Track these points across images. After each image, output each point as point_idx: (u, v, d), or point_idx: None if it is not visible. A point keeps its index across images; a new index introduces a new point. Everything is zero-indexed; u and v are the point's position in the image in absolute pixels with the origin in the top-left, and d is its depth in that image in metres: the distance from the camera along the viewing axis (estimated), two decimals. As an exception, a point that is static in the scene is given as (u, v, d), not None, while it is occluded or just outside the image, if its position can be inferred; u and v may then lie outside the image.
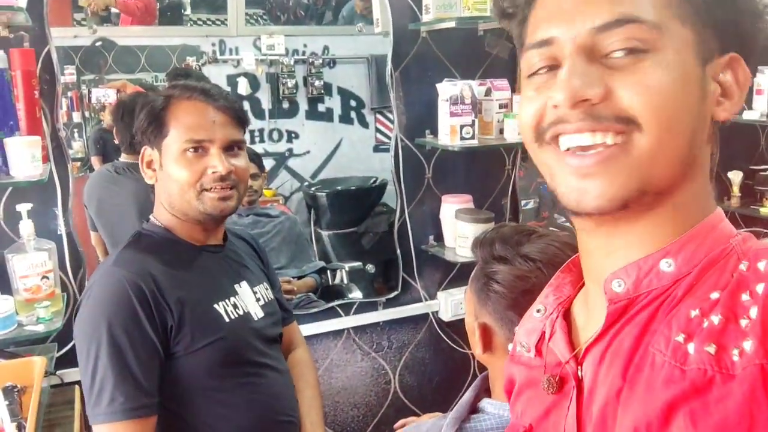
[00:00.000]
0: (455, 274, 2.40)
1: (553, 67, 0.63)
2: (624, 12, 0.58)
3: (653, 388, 0.57)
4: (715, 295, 0.57)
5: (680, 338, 0.57)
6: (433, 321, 2.43)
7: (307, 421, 1.50)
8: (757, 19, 0.63)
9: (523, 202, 2.53)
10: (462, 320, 2.33)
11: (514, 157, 2.41)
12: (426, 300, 2.39)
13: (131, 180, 1.91)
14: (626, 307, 0.64)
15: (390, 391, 2.42)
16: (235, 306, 1.40)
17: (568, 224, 2.80)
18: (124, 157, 2.04)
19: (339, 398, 2.36)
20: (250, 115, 1.44)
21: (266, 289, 1.52)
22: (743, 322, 0.54)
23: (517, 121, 2.05)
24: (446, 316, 2.38)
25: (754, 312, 0.54)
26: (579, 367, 0.68)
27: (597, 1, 0.59)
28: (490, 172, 2.40)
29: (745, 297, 0.56)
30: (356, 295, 2.44)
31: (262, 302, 1.48)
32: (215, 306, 1.36)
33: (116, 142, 2.06)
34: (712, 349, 0.54)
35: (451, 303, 2.36)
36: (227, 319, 1.37)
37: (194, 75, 2.33)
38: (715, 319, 0.56)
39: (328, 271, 2.60)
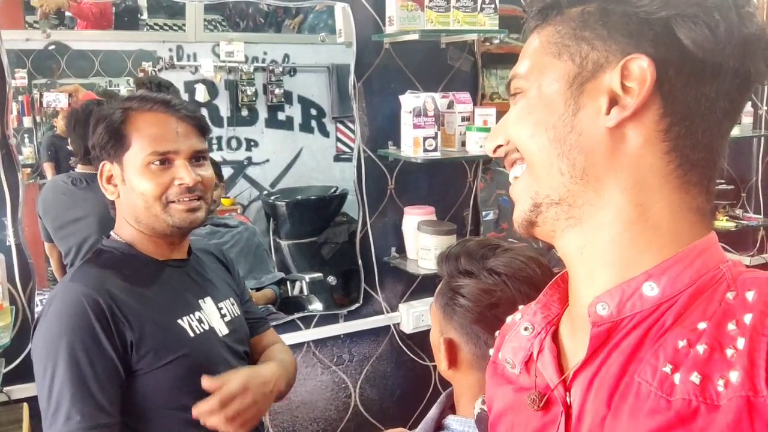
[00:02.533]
0: (417, 286, 2.39)
1: None
2: (511, 73, 0.72)
3: (638, 417, 0.57)
4: (702, 326, 0.57)
5: (667, 369, 0.57)
6: (395, 333, 2.41)
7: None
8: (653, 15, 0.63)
9: (483, 213, 2.54)
10: (423, 332, 2.36)
11: (476, 169, 2.42)
12: (387, 312, 2.38)
13: (90, 192, 1.86)
14: (610, 330, 0.64)
15: (350, 405, 2.40)
16: (200, 321, 1.36)
17: (526, 236, 2.84)
18: (80, 168, 1.97)
19: (298, 413, 2.32)
20: (207, 121, 1.41)
21: (232, 304, 1.48)
22: (729, 352, 0.54)
23: (477, 135, 2.08)
24: (408, 328, 2.37)
25: (741, 343, 0.54)
26: (567, 393, 0.67)
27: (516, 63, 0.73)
28: (451, 184, 2.41)
29: (731, 327, 0.56)
30: (316, 306, 2.41)
31: (227, 318, 1.44)
32: (179, 321, 1.32)
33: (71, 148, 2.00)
34: (696, 379, 0.54)
35: (412, 315, 2.35)
36: (192, 334, 1.33)
37: (168, 86, 2.28)
38: (701, 348, 0.56)
39: (288, 282, 2.57)
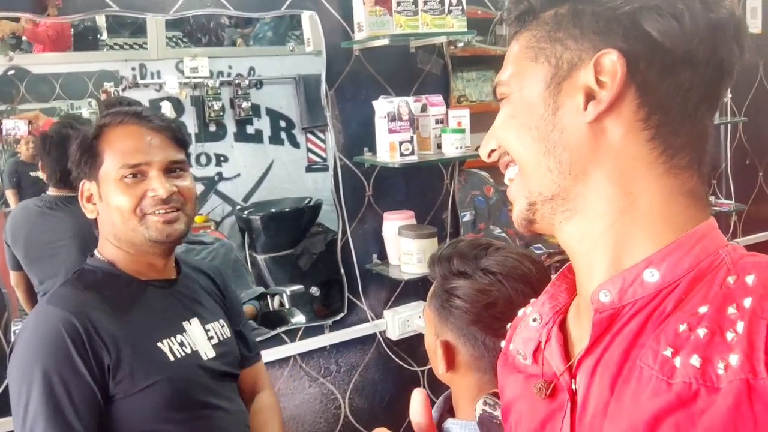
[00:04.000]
0: (401, 292, 2.38)
1: None
2: (496, 80, 0.75)
3: (639, 400, 0.58)
4: (703, 309, 0.58)
5: (668, 352, 0.58)
6: (381, 340, 2.40)
7: None
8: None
9: (460, 215, 2.55)
10: (410, 338, 2.36)
11: (452, 171, 2.42)
12: (373, 320, 2.36)
13: (66, 215, 1.81)
14: (613, 317, 0.65)
15: (340, 416, 2.37)
16: (181, 344, 1.32)
17: (504, 234, 2.85)
18: (52, 191, 1.92)
19: (287, 429, 2.28)
20: (184, 131, 1.40)
21: (222, 326, 1.44)
22: (729, 336, 0.55)
23: (452, 136, 2.08)
24: (394, 334, 2.35)
25: (740, 326, 0.55)
26: (573, 380, 0.69)
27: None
28: (429, 187, 2.41)
29: (731, 310, 0.56)
30: (299, 319, 2.38)
31: (215, 341, 1.40)
32: (159, 344, 1.29)
33: (40, 175, 1.95)
34: (697, 361, 0.55)
35: (398, 321, 2.34)
36: (172, 358, 1.29)
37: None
38: (701, 332, 0.56)
39: (268, 296, 2.54)
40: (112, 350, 1.21)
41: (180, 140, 1.35)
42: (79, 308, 1.22)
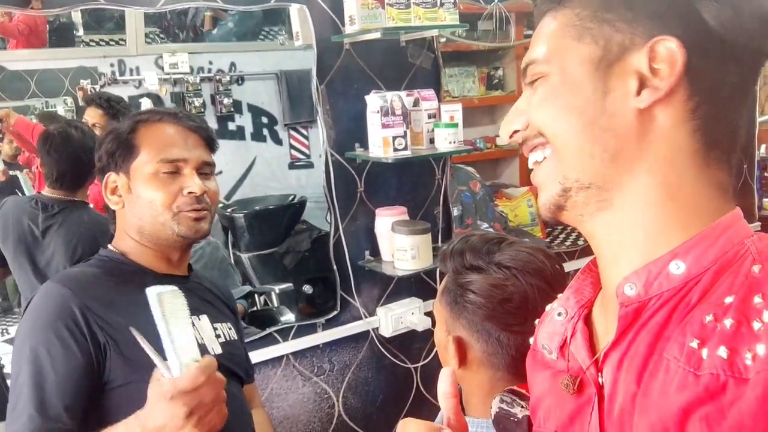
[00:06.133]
0: (393, 288, 2.36)
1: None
2: (528, 58, 0.72)
3: (667, 393, 0.58)
4: (729, 300, 0.58)
5: (694, 344, 0.57)
6: (374, 338, 2.37)
7: None
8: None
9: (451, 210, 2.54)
10: (403, 335, 2.34)
11: (444, 166, 2.41)
12: (366, 317, 2.33)
13: (61, 219, 1.78)
14: (638, 310, 0.64)
15: (334, 415, 2.34)
16: None
17: (491, 230, 2.85)
18: (48, 192, 1.87)
19: (281, 429, 2.25)
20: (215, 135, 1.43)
21: (230, 329, 1.42)
22: (756, 325, 0.55)
23: (445, 131, 2.07)
24: (387, 332, 2.33)
25: (766, 316, 0.54)
26: (599, 374, 0.68)
27: (530, 48, 0.73)
28: (421, 183, 2.39)
29: (757, 300, 0.56)
30: (288, 318, 2.35)
31: (222, 339, 1.38)
32: None
33: (19, 175, 1.90)
34: (724, 353, 0.55)
35: (391, 318, 2.31)
36: None
37: (118, 101, 2.20)
38: (727, 322, 0.56)
39: (255, 295, 2.50)
40: (111, 334, 1.20)
41: (211, 143, 1.38)
42: (83, 288, 1.22)
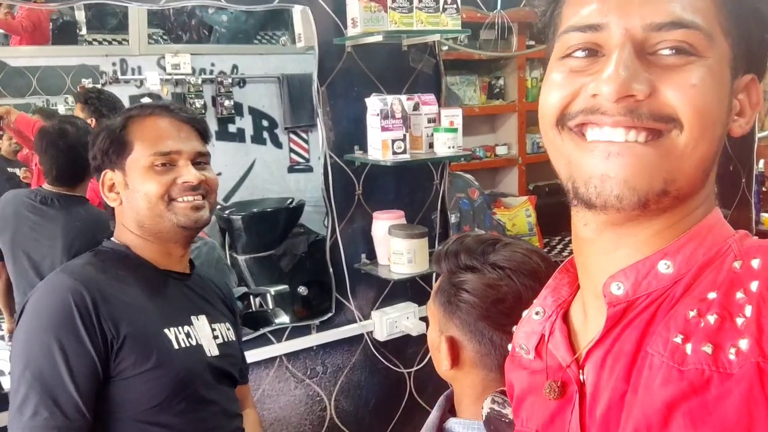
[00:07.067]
0: (389, 292, 2.35)
1: (593, 52, 0.62)
2: (681, 16, 0.59)
3: (651, 389, 0.58)
4: (712, 295, 0.58)
5: (678, 339, 0.57)
6: (368, 341, 2.37)
7: None
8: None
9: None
10: (397, 339, 2.33)
11: (442, 171, 2.41)
12: (360, 320, 2.32)
13: (60, 213, 1.78)
14: (625, 309, 0.64)
15: (326, 418, 2.33)
16: (188, 335, 1.31)
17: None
18: (48, 187, 1.86)
19: (271, 431, 2.24)
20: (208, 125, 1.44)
21: (228, 329, 1.43)
22: (739, 321, 0.55)
23: (444, 135, 2.08)
24: (381, 335, 2.32)
25: (748, 310, 0.55)
26: (580, 371, 0.68)
27: (657, 0, 0.60)
28: (419, 187, 2.39)
29: (739, 295, 0.56)
30: (283, 320, 2.34)
31: (220, 341, 1.39)
32: (165, 330, 1.28)
33: (18, 172, 1.91)
34: (708, 348, 0.55)
35: (385, 322, 2.31)
36: (176, 347, 1.28)
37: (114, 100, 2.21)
38: (711, 318, 0.56)
39: (250, 297, 2.49)
40: (117, 327, 1.21)
41: (205, 134, 1.38)
42: (91, 280, 1.23)
